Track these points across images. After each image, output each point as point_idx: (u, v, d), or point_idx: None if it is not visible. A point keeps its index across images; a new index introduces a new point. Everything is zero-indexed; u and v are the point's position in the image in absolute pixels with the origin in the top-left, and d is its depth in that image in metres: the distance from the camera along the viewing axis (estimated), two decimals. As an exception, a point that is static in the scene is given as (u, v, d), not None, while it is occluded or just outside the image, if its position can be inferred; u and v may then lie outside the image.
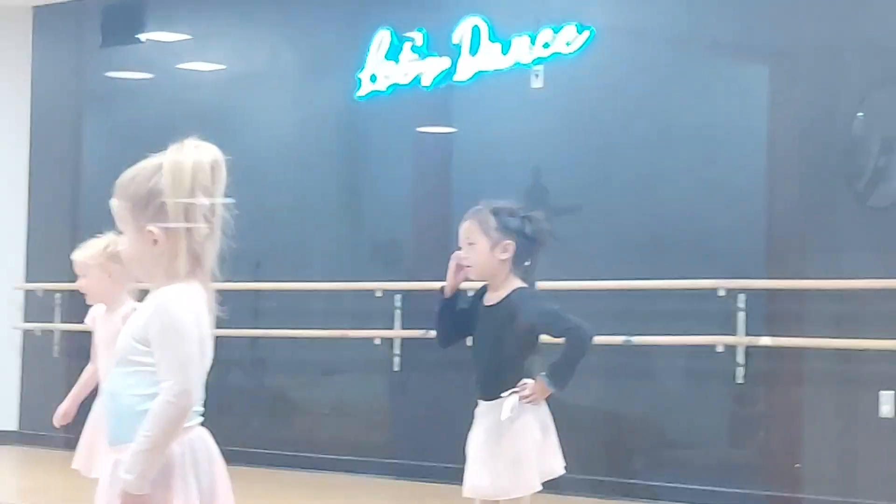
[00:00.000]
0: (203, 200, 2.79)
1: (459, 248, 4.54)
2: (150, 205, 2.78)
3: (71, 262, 5.40)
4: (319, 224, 10.09)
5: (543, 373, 4.42)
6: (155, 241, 2.78)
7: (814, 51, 8.17)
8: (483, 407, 4.45)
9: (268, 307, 10.25)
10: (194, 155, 2.80)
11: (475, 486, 4.44)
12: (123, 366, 2.83)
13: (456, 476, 4.58)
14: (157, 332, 2.77)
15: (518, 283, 4.48)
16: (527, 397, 4.38)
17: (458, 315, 4.60)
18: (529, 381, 4.39)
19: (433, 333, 8.18)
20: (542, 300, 4.56)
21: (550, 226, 4.78)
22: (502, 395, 4.40)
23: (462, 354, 4.70)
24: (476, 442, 4.45)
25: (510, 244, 4.42)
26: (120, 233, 2.93)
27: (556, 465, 4.44)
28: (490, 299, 4.48)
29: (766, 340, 7.87)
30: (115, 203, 2.88)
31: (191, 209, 2.77)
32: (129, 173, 2.87)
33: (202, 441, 2.89)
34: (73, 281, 5.48)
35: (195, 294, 2.81)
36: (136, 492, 2.71)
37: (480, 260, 4.46)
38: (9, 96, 11.53)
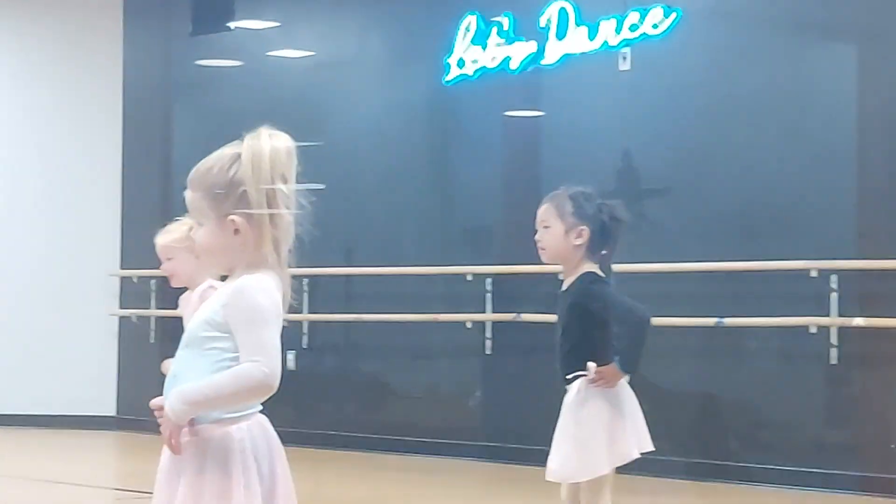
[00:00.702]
0: (283, 187, 2.74)
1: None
2: (231, 194, 2.74)
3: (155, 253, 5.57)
4: (410, 209, 10.14)
5: (615, 357, 4.37)
6: (236, 231, 2.73)
7: None
8: (567, 388, 4.52)
9: (360, 292, 10.29)
10: (271, 142, 2.76)
11: (550, 470, 4.44)
12: (191, 348, 2.81)
13: (545, 457, 4.58)
14: (241, 318, 2.73)
15: (590, 268, 4.44)
16: (594, 381, 4.35)
17: None
18: (592, 364, 4.35)
19: (524, 317, 8.04)
20: (602, 285, 4.50)
21: (629, 214, 4.71)
22: (569, 377, 4.41)
23: (553, 337, 4.66)
24: (558, 425, 4.45)
25: (584, 230, 4.36)
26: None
27: (630, 449, 4.37)
28: (564, 284, 4.50)
29: (859, 321, 7.74)
30: (190, 195, 2.84)
31: (272, 196, 2.72)
32: (204, 165, 2.82)
33: (262, 428, 2.84)
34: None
35: (273, 282, 2.76)
36: (174, 418, 2.69)
37: (553, 243, 4.42)
38: (102, 85, 11.52)
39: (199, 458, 2.74)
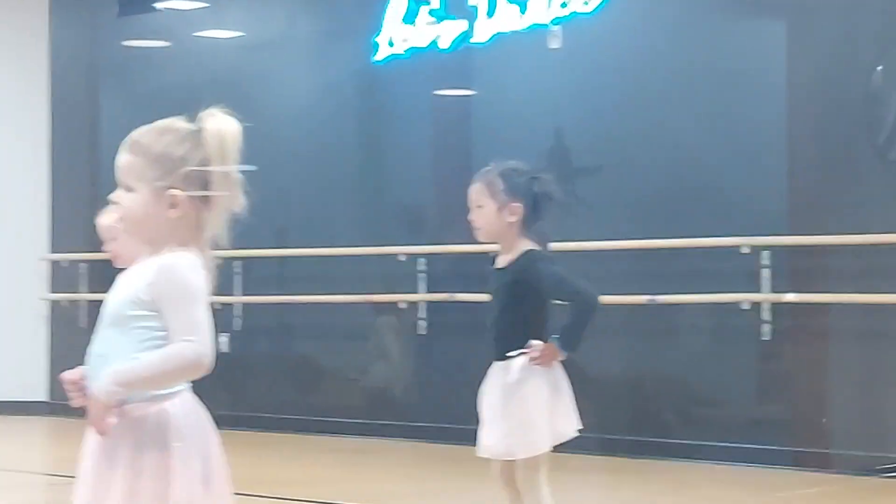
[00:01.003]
0: (228, 169, 2.72)
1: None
2: (177, 169, 2.72)
3: (94, 232, 5.15)
4: (342, 190, 10.09)
5: (555, 336, 4.36)
6: (172, 206, 2.72)
7: (832, 3, 8.10)
8: (496, 367, 4.42)
9: (293, 274, 10.24)
10: (230, 125, 2.76)
11: (486, 446, 4.41)
12: (117, 327, 2.76)
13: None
14: (171, 296, 2.71)
15: (528, 245, 4.42)
16: (535, 359, 4.34)
17: None
18: (537, 342, 4.34)
19: (459, 297, 8.01)
20: (549, 263, 4.48)
21: (560, 187, 4.67)
22: (512, 354, 4.37)
23: (486, 316, 4.66)
24: (487, 402, 4.42)
25: (518, 206, 4.36)
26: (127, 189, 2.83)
27: (568, 427, 4.40)
28: (500, 262, 4.47)
29: (790, 297, 7.82)
30: (128, 158, 2.77)
31: (221, 178, 2.73)
32: (152, 133, 2.77)
33: (193, 405, 2.81)
34: (97, 250, 5.29)
35: (199, 261, 2.75)
36: (105, 400, 2.65)
37: (488, 222, 4.41)
38: (28, 68, 11.44)
39: (134, 438, 2.71)
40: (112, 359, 2.69)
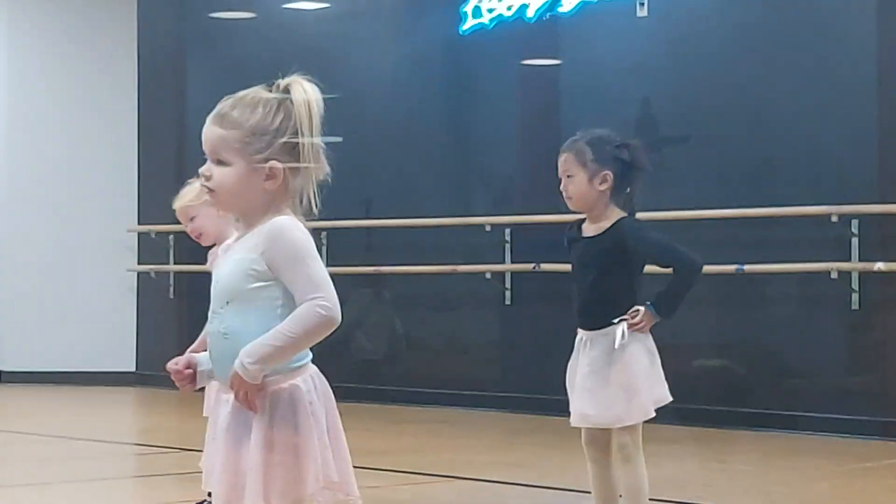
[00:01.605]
0: (318, 139, 2.75)
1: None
2: (273, 142, 2.70)
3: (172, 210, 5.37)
4: (428, 160, 10.06)
5: (649, 302, 4.28)
6: (269, 178, 2.71)
7: None
8: (586, 337, 4.33)
9: (379, 244, 10.26)
10: (315, 93, 2.74)
11: (585, 416, 4.32)
12: (235, 304, 2.74)
13: (566, 407, 4.47)
14: (284, 259, 2.69)
15: (620, 213, 4.36)
16: (636, 325, 4.27)
17: None
18: (641, 308, 4.28)
19: (544, 266, 7.93)
20: (649, 230, 4.46)
21: (648, 152, 4.56)
22: (613, 322, 4.27)
23: (572, 285, 4.62)
24: (581, 372, 4.33)
25: (608, 174, 4.27)
26: (218, 162, 2.79)
27: (664, 393, 4.34)
28: (591, 230, 4.38)
29: (880, 265, 7.65)
30: (219, 132, 2.74)
31: (313, 148, 2.73)
32: (242, 105, 2.75)
33: (319, 379, 2.81)
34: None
35: (299, 222, 2.78)
36: (249, 379, 2.63)
37: (580, 192, 4.33)
38: (117, 41, 11.47)
39: (269, 413, 2.71)
40: (241, 336, 2.68)
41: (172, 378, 2.83)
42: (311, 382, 2.76)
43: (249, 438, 2.73)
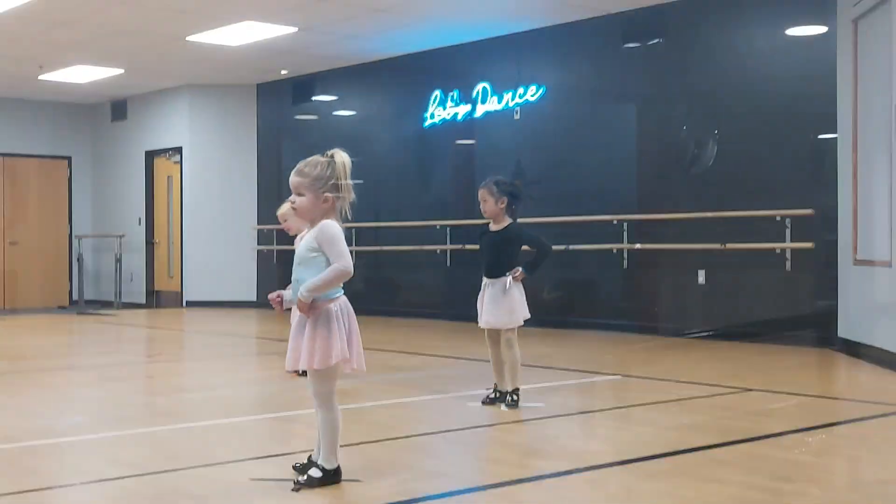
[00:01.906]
0: (349, 182, 3.41)
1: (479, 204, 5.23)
2: (328, 182, 3.36)
3: (275, 217, 6.33)
4: (407, 190, 12.12)
5: (523, 266, 5.25)
6: (325, 201, 3.35)
7: (663, 98, 9.57)
8: (488, 282, 5.27)
9: (381, 235, 12.42)
10: (346, 157, 3.38)
11: (488, 321, 5.24)
12: (303, 265, 3.39)
13: (477, 318, 5.35)
14: (325, 241, 3.33)
15: (509, 219, 5.29)
16: (517, 277, 5.22)
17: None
18: (519, 269, 5.22)
19: (467, 246, 9.94)
20: (523, 228, 5.33)
21: (523, 189, 5.44)
22: (506, 274, 5.25)
23: (480, 256, 5.37)
24: (486, 300, 5.27)
25: (504, 199, 5.24)
26: (299, 195, 3.42)
27: (527, 313, 5.29)
28: (495, 228, 5.26)
29: (637, 245, 9.36)
30: (297, 179, 3.38)
31: (345, 185, 3.36)
32: (310, 164, 3.39)
33: (346, 303, 3.44)
34: (279, 225, 6.35)
35: (337, 223, 3.37)
36: (304, 300, 3.31)
37: (490, 210, 5.27)
38: (247, 132, 14.25)
39: (315, 319, 3.40)
40: (303, 280, 3.37)
41: (270, 302, 3.52)
42: (339, 306, 3.42)
43: (303, 334, 3.40)
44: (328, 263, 3.38)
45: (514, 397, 5.20)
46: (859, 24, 7.57)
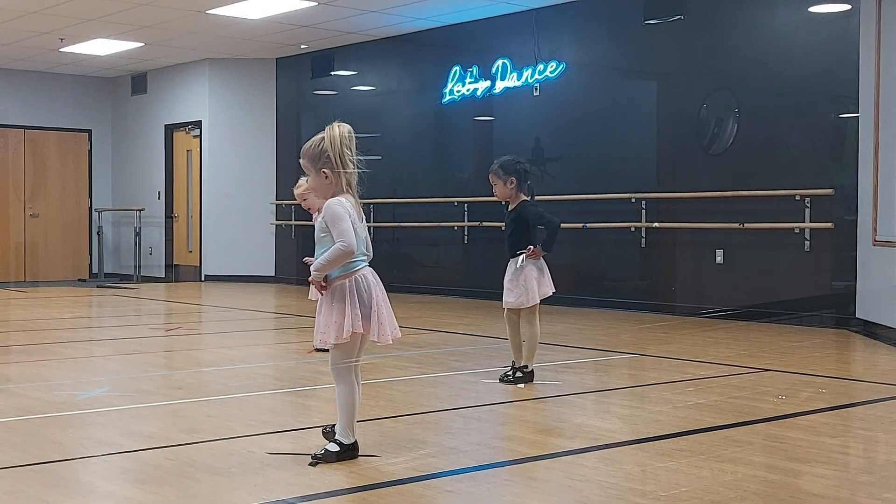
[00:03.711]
0: (348, 151, 3.41)
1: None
2: (321, 158, 3.41)
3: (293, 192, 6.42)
4: (425, 167, 12.32)
5: (539, 244, 5.35)
6: (326, 177, 3.42)
7: (683, 75, 9.62)
8: (511, 261, 5.38)
9: (399, 211, 12.63)
10: (339, 129, 3.41)
11: (505, 300, 5.37)
12: (318, 244, 3.51)
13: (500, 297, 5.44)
14: (329, 220, 3.42)
15: (524, 197, 5.36)
16: (530, 255, 5.30)
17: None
18: (531, 247, 5.31)
19: (485, 223, 10.17)
20: (534, 206, 5.37)
21: (537, 165, 5.84)
22: (518, 253, 5.37)
23: (503, 233, 5.51)
24: (505, 278, 5.40)
25: (512, 179, 5.35)
26: (306, 176, 3.58)
27: (548, 290, 5.35)
28: (510, 208, 5.40)
29: (656, 224, 9.36)
30: (302, 161, 3.53)
31: (341, 158, 3.39)
32: (307, 144, 3.47)
33: (363, 276, 3.46)
34: (296, 202, 6.48)
35: (345, 200, 3.37)
36: (316, 278, 3.44)
37: (501, 192, 5.40)
38: (266, 106, 14.35)
39: (332, 294, 3.49)
40: (319, 254, 3.50)
41: (310, 282, 3.51)
42: (355, 281, 3.44)
43: (320, 311, 3.49)
44: (331, 242, 3.44)
45: (519, 374, 5.30)
46: (883, 1, 7.59)
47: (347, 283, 3.44)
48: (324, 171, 3.41)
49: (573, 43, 10.34)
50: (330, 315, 3.44)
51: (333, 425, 3.61)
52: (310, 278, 3.45)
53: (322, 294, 3.47)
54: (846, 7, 8.44)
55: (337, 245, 3.37)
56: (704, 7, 9.34)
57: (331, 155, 3.39)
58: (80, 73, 15.11)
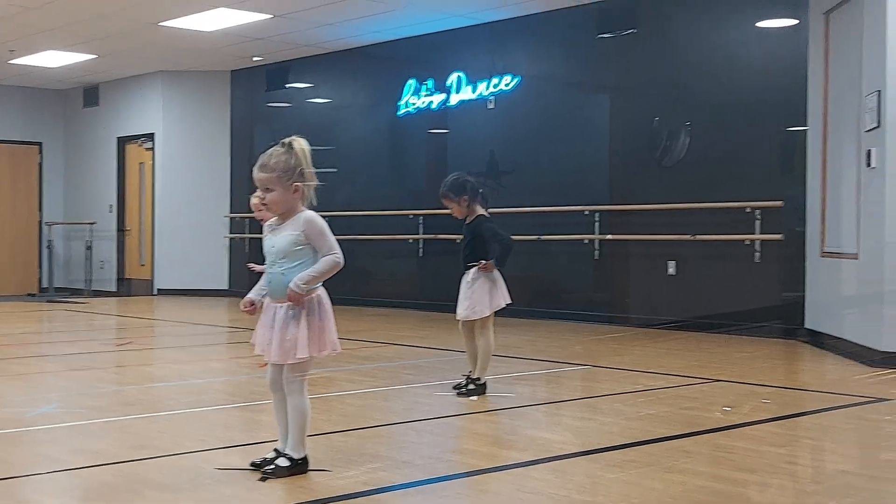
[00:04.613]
0: (312, 169, 3.41)
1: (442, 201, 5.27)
2: (294, 172, 3.38)
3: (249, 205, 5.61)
4: (380, 179, 12.30)
5: (492, 258, 5.43)
6: (295, 191, 3.38)
7: (635, 88, 9.69)
8: (465, 273, 5.44)
9: (355, 223, 12.48)
10: (304, 142, 3.41)
11: (458, 313, 5.46)
12: (286, 258, 3.43)
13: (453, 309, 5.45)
14: (316, 234, 3.39)
15: (480, 212, 5.45)
16: (482, 268, 5.41)
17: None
18: (483, 261, 5.39)
19: (440, 235, 10.06)
20: (488, 222, 5.44)
21: (489, 178, 5.90)
22: (469, 266, 5.45)
23: (458, 247, 5.52)
24: (460, 291, 5.49)
25: (465, 196, 5.48)
26: (267, 189, 3.43)
27: (501, 302, 5.41)
28: (468, 221, 5.51)
29: (609, 236, 9.44)
30: (262, 175, 3.38)
31: (309, 172, 3.39)
32: (273, 157, 3.40)
33: (323, 292, 3.54)
34: (251, 214, 6.38)
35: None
36: (302, 291, 3.35)
37: (455, 211, 5.52)
38: (220, 119, 14.34)
39: (309, 307, 3.49)
40: (292, 275, 3.38)
41: (244, 311, 3.55)
42: (323, 294, 3.51)
43: (296, 324, 3.41)
44: (312, 255, 3.41)
45: (472, 386, 5.33)
46: (831, 16, 7.80)
47: (322, 299, 3.47)
48: (296, 185, 3.37)
49: (528, 56, 10.47)
50: (304, 329, 3.40)
51: (273, 452, 3.59)
52: (292, 290, 3.38)
53: (297, 306, 3.41)
54: (794, 22, 8.60)
55: (331, 257, 3.38)
56: (657, 21, 9.46)
57: (304, 170, 3.38)
58: (30, 84, 15.12)
